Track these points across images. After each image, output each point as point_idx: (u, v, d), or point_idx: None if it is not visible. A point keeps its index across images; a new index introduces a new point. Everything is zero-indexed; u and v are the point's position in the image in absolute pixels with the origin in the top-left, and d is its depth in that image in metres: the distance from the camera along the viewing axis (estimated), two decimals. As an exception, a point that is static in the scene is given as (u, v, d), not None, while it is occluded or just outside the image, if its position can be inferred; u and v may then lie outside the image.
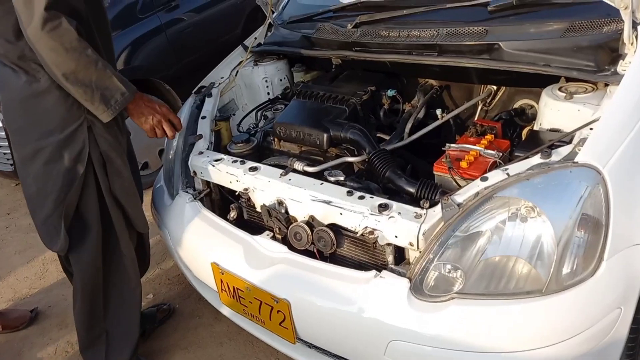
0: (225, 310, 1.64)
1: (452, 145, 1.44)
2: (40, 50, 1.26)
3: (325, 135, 1.56)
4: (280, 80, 2.09)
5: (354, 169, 1.59)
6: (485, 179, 1.20)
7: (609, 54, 1.38)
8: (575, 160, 1.15)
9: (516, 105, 1.68)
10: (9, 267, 2.51)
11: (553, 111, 1.37)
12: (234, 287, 1.46)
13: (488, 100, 1.76)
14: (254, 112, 1.96)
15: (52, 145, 1.40)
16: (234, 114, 2.05)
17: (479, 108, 1.75)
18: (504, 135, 1.55)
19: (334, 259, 1.39)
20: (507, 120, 1.61)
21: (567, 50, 1.41)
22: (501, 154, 1.35)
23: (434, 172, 1.39)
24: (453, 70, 1.64)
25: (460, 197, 1.19)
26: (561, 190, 1.13)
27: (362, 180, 1.46)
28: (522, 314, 1.11)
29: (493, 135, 1.46)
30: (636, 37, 1.33)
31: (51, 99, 1.38)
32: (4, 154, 2.66)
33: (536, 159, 1.20)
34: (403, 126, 1.64)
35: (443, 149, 1.44)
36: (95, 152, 1.44)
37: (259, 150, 1.77)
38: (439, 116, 1.64)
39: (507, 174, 1.18)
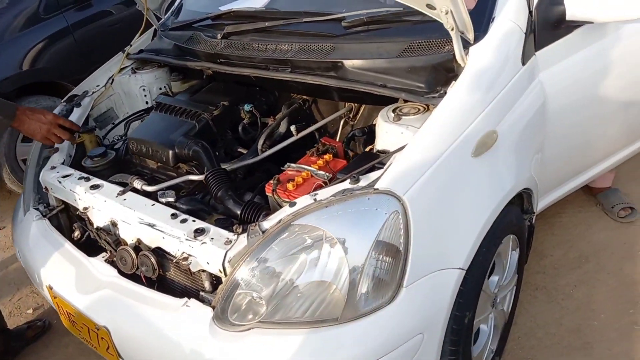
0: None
1: (292, 164, 1.43)
2: None
3: (170, 152, 1.53)
4: (160, 89, 2.03)
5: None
6: (293, 205, 1.18)
7: (445, 74, 1.38)
8: (376, 186, 1.15)
9: (374, 122, 1.67)
10: None
11: (383, 132, 1.37)
12: (67, 312, 1.43)
13: (351, 116, 1.75)
14: (122, 123, 1.91)
15: None
16: (113, 123, 2.01)
17: (341, 124, 1.73)
18: (350, 154, 1.54)
19: (164, 284, 1.37)
20: (360, 137, 1.60)
21: (402, 70, 1.40)
22: (330, 176, 1.34)
23: (266, 193, 1.37)
24: (309, 86, 1.62)
25: (268, 223, 1.18)
26: (358, 218, 1.13)
27: (197, 201, 1.43)
28: (318, 342, 1.11)
29: (332, 155, 1.45)
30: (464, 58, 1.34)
31: None
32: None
33: (345, 184, 1.19)
34: (257, 142, 1.62)
35: (282, 168, 1.43)
36: None
37: (122, 164, 1.73)
38: (294, 132, 1.62)
39: (314, 200, 1.17)
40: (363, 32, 1.54)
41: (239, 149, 1.69)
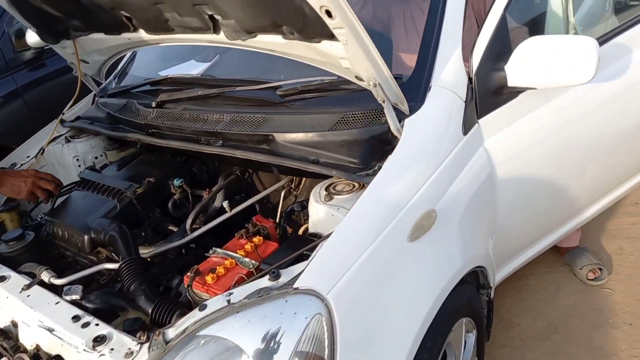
0: None
1: (218, 249, 1.29)
2: None
3: (85, 237, 1.39)
4: (96, 158, 1.91)
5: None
6: (203, 308, 1.04)
7: (381, 147, 1.28)
8: (295, 285, 1.01)
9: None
10: None
11: (314, 214, 1.25)
12: None
13: (293, 187, 1.63)
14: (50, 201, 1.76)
15: None
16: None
17: (282, 195, 1.61)
18: (288, 231, 1.42)
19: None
20: (300, 212, 1.48)
21: (335, 144, 1.30)
22: (257, 264, 1.21)
23: (185, 286, 1.23)
24: (244, 160, 1.51)
25: (173, 331, 1.03)
26: (274, 326, 0.98)
27: (111, 295, 1.28)
28: None
29: (262, 237, 1.32)
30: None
31: None
32: None
33: (264, 281, 1.06)
34: (186, 221, 1.48)
35: (206, 254, 1.29)
36: None
37: (44, 246, 1.57)
38: (226, 208, 1.49)
39: (228, 301, 1.03)
40: (299, 101, 1.45)
41: (169, 227, 1.55)
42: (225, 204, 1.50)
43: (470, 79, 1.41)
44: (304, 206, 1.48)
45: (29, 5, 1.61)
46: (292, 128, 1.37)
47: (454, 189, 1.32)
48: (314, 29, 1.09)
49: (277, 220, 1.51)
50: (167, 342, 1.00)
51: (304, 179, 1.62)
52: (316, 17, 1.01)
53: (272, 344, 0.97)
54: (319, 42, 1.15)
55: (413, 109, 1.31)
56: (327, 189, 1.28)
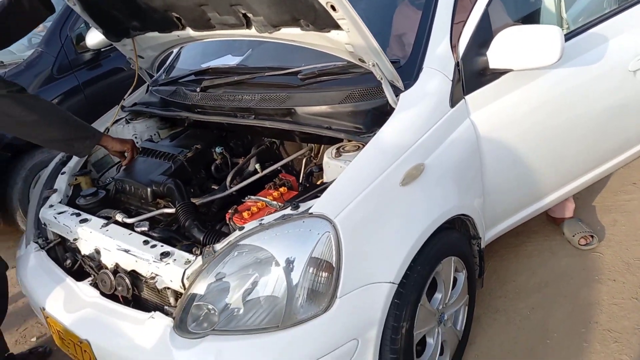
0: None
1: (252, 197, 1.65)
2: None
3: (148, 190, 1.77)
4: (150, 136, 2.31)
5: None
6: (241, 229, 1.39)
7: (381, 117, 1.61)
8: (310, 211, 1.35)
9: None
10: None
11: (327, 167, 1.59)
12: (57, 330, 1.63)
13: (313, 155, 1.98)
14: (115, 166, 2.16)
15: None
16: (111, 167, 2.27)
17: (304, 162, 1.96)
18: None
19: (139, 302, 1.57)
20: (317, 173, 1.82)
21: (344, 114, 1.64)
22: (282, 205, 1.56)
23: (227, 222, 1.59)
24: (273, 130, 1.86)
25: (219, 245, 1.38)
26: (295, 238, 1.33)
27: (170, 231, 1.65)
28: (262, 345, 1.29)
29: (286, 188, 1.67)
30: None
31: None
32: None
33: (287, 210, 1.40)
34: (227, 180, 1.85)
35: (242, 200, 1.65)
36: None
37: (112, 202, 1.96)
38: (258, 170, 1.85)
39: (260, 224, 1.38)
40: (316, 83, 1.80)
41: (212, 186, 1.92)
42: (257, 166, 1.85)
43: (457, 63, 1.72)
44: (320, 168, 1.82)
45: (98, 10, 2.02)
46: (309, 103, 1.71)
47: (440, 150, 1.64)
48: (324, 20, 1.43)
49: (300, 181, 1.85)
50: (215, 252, 1.36)
51: (322, 148, 1.96)
52: (324, 10, 1.35)
53: (293, 252, 1.31)
54: (329, 31, 1.49)
55: (407, 86, 1.63)
56: (337, 149, 1.62)
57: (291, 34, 1.62)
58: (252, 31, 1.72)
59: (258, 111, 1.81)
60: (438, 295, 1.70)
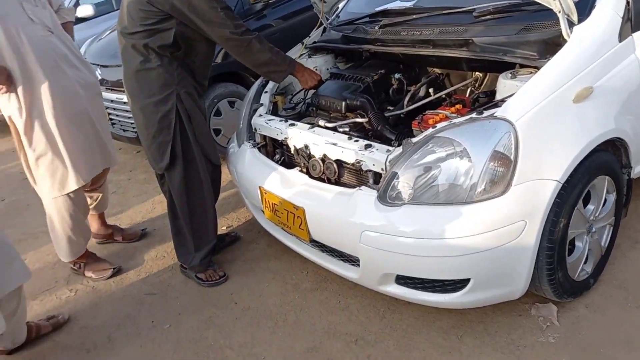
0: (268, 227, 2.33)
1: (429, 111, 2.00)
2: None
3: (343, 103, 2.19)
4: (327, 69, 2.74)
5: (365, 128, 2.19)
6: (434, 127, 1.75)
7: (553, 46, 1.86)
8: (495, 114, 1.67)
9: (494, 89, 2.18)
10: (129, 205, 3.43)
11: (502, 86, 1.88)
12: (272, 203, 2.14)
13: (477, 85, 2.27)
14: (302, 91, 2.62)
15: (153, 102, 2.16)
16: (292, 94, 2.75)
17: (468, 92, 2.26)
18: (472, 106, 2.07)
19: (339, 183, 2.01)
20: (483, 98, 2.11)
21: (519, 43, 1.90)
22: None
23: (412, 128, 1.96)
24: (444, 59, 2.18)
25: (416, 138, 1.76)
26: (482, 134, 1.66)
27: (363, 134, 2.06)
28: (448, 213, 1.65)
29: (461, 105, 1.99)
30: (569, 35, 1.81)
31: (155, 74, 2.14)
32: (130, 123, 3.58)
33: (473, 114, 1.73)
34: (403, 100, 2.21)
35: (422, 113, 2.01)
36: (182, 109, 2.18)
37: (303, 116, 2.43)
38: (431, 93, 2.19)
39: (452, 122, 1.73)
40: (489, 20, 2.07)
41: (388, 107, 2.30)
42: (431, 90, 2.19)
43: (627, 2, 1.90)
44: (487, 94, 2.12)
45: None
46: (486, 34, 2.00)
47: (607, 78, 1.85)
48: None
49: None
50: (413, 143, 1.74)
51: (485, 79, 2.25)
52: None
53: (480, 144, 1.65)
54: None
55: (580, 21, 1.85)
56: (512, 73, 1.90)
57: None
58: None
59: (437, 42, 2.13)
60: (590, 207, 1.94)
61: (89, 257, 2.63)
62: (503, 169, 1.64)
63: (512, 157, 1.64)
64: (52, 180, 2.32)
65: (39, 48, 2.21)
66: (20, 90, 2.18)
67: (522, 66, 1.92)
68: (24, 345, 2.15)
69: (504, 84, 1.87)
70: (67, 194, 2.37)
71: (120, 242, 2.92)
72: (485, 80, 2.26)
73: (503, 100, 1.74)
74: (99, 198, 2.77)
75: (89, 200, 2.67)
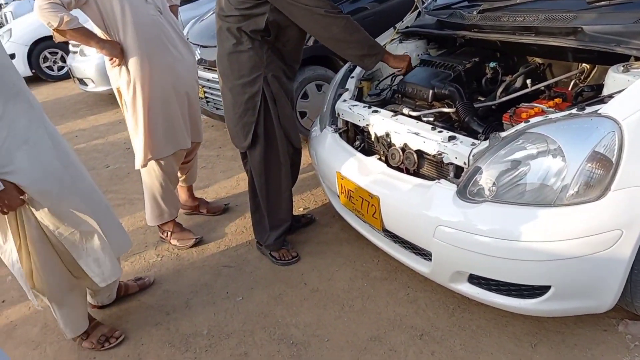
0: (343, 212, 2.32)
1: (524, 104, 1.85)
2: None
3: (430, 91, 2.10)
4: (418, 55, 2.64)
5: (451, 118, 2.09)
6: (527, 122, 1.62)
7: (675, 39, 1.63)
8: (599, 111, 1.50)
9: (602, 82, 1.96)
10: (215, 180, 3.60)
11: (611, 80, 1.68)
12: (347, 189, 2.12)
13: (582, 78, 2.06)
14: (389, 77, 2.56)
15: (241, 84, 2.21)
16: (379, 79, 2.69)
17: (571, 84, 2.05)
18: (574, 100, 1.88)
19: (418, 175, 1.94)
20: (589, 93, 1.91)
21: (636, 34, 1.69)
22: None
23: (503, 121, 1.83)
24: (547, 49, 2.00)
25: (505, 133, 1.64)
26: (580, 132, 1.50)
27: (449, 124, 1.96)
28: (532, 215, 1.53)
29: (561, 99, 1.82)
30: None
31: (245, 56, 2.18)
32: (221, 101, 3.74)
33: (573, 110, 1.57)
34: (496, 91, 2.07)
35: (516, 106, 1.86)
36: (268, 92, 2.21)
37: (388, 103, 2.37)
38: (528, 85, 2.02)
39: (548, 117, 1.59)
40: (604, 7, 1.86)
41: (479, 98, 2.16)
42: (529, 81, 2.03)
43: None
44: (593, 88, 1.91)
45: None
46: (600, 22, 1.80)
47: None
48: None
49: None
50: (501, 138, 1.62)
51: (593, 71, 2.03)
52: None
53: (577, 143, 1.49)
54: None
55: None
56: (624, 66, 1.69)
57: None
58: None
59: (540, 30, 1.96)
60: None
61: (175, 226, 2.81)
62: (602, 172, 1.48)
63: (613, 160, 1.47)
64: (145, 149, 2.49)
65: (148, 27, 2.36)
66: (130, 64, 2.36)
67: (638, 59, 1.71)
68: (112, 302, 2.36)
69: (614, 78, 1.68)
70: (159, 163, 2.54)
71: (205, 214, 3.08)
72: (593, 72, 2.04)
73: (610, 96, 1.56)
74: (189, 171, 2.94)
75: (179, 173, 2.84)
